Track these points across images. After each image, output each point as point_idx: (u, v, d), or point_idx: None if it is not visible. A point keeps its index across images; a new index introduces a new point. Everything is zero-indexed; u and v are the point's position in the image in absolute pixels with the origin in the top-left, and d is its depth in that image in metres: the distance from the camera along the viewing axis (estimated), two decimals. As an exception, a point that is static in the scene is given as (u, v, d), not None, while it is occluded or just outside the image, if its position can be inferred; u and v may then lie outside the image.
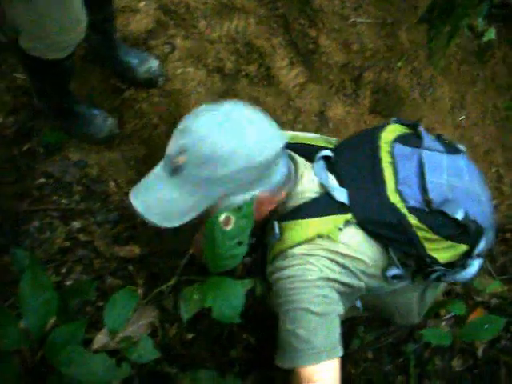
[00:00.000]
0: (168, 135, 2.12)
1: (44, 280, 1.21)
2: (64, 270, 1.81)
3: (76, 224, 1.91)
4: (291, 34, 2.26)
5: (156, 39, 2.19)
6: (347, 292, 1.31)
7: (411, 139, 1.38)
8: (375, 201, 1.28)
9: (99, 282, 1.79)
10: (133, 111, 2.12)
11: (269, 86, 2.17)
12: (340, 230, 1.27)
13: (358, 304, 1.50)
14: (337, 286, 1.27)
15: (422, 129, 1.40)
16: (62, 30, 1.52)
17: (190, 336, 1.75)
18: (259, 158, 1.21)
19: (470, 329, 1.76)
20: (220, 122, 1.20)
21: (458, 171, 1.35)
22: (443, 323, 1.98)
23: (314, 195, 1.31)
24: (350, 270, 1.29)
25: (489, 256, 2.15)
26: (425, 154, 1.33)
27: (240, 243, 1.26)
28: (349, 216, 1.28)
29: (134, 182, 2.05)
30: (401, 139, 1.37)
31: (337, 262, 1.27)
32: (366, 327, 1.86)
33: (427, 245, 1.29)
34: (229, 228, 1.25)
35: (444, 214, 1.26)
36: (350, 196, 1.29)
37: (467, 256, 1.34)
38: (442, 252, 1.31)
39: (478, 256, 1.36)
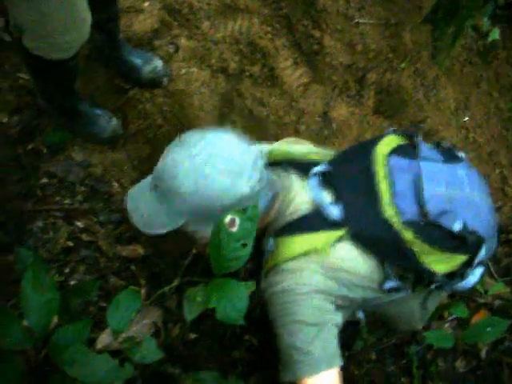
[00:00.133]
0: (172, 135, 2.13)
1: (46, 279, 1.21)
2: (67, 270, 1.82)
3: (79, 224, 1.91)
4: (295, 34, 2.26)
5: (160, 39, 2.19)
6: (343, 303, 1.32)
7: (408, 150, 1.36)
8: (370, 216, 1.28)
9: (102, 282, 1.80)
10: (137, 111, 2.12)
11: (272, 87, 2.17)
12: (333, 245, 1.27)
13: (360, 315, 1.51)
14: (331, 297, 1.29)
15: (419, 139, 1.38)
16: (65, 30, 1.51)
17: (192, 336, 1.75)
18: (222, 202, 1.25)
19: (473, 331, 1.76)
20: (191, 161, 1.24)
21: (456, 181, 1.32)
22: (446, 325, 1.98)
23: (307, 211, 1.32)
24: (344, 283, 1.29)
25: (492, 258, 2.14)
26: (422, 164, 1.31)
27: (244, 245, 1.26)
28: (342, 232, 1.28)
29: (137, 182, 2.06)
30: (397, 151, 1.35)
31: (330, 276, 1.28)
32: (370, 328, 1.85)
33: (424, 257, 1.28)
34: (234, 230, 1.26)
35: (441, 226, 1.25)
36: (345, 210, 1.29)
37: (467, 266, 1.33)
38: (440, 264, 1.30)
39: (479, 265, 1.34)
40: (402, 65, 2.28)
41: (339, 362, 1.26)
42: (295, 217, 1.32)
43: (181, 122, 2.12)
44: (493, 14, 2.22)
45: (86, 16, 1.54)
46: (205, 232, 1.31)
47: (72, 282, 1.79)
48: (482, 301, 2.03)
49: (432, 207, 1.26)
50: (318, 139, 2.16)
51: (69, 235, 1.88)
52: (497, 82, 2.40)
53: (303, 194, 1.34)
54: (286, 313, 1.27)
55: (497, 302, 2.03)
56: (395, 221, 1.25)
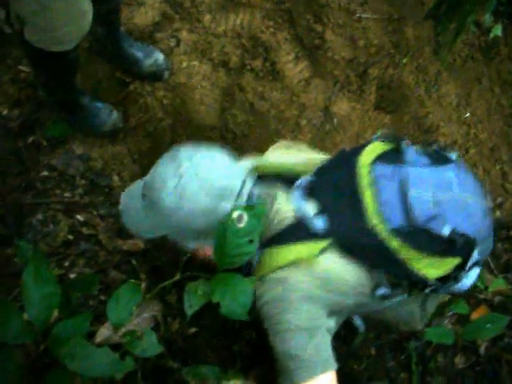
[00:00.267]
0: (173, 129, 2.13)
1: (47, 273, 1.21)
2: (67, 264, 1.81)
3: (79, 217, 1.91)
4: (297, 28, 2.25)
5: (161, 32, 2.18)
6: (334, 309, 1.33)
7: (393, 156, 1.35)
8: (355, 225, 1.28)
9: (102, 276, 1.80)
10: (137, 105, 2.11)
11: (274, 81, 2.17)
12: (318, 255, 1.28)
13: (358, 322, 1.52)
14: (320, 303, 1.29)
15: (404, 143, 1.37)
16: (66, 22, 1.50)
17: (192, 330, 1.75)
18: (202, 223, 1.30)
19: (473, 327, 1.76)
20: (177, 179, 1.28)
21: (445, 184, 1.31)
22: (446, 321, 1.98)
23: (291, 223, 1.33)
24: (333, 290, 1.30)
25: (492, 254, 2.14)
26: (408, 170, 1.30)
27: (250, 241, 1.28)
28: (326, 243, 1.28)
29: (137, 175, 2.06)
30: (381, 158, 1.34)
31: (318, 283, 1.29)
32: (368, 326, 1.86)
33: (414, 263, 1.27)
34: (241, 226, 1.27)
35: (430, 231, 1.24)
36: (329, 221, 1.30)
37: (460, 269, 1.32)
38: (432, 268, 1.29)
39: (474, 266, 1.34)
40: (404, 60, 2.27)
41: (334, 365, 1.28)
42: (279, 229, 1.33)
43: (181, 116, 2.11)
44: (495, 10, 2.21)
45: (87, 8, 1.53)
46: (185, 246, 1.39)
47: (72, 276, 1.79)
48: (481, 297, 2.03)
49: (419, 212, 1.25)
50: (319, 134, 2.16)
51: (69, 228, 1.88)
52: (498, 78, 2.39)
53: (287, 207, 1.35)
54: (277, 321, 1.29)
55: (497, 299, 2.03)
56: (381, 229, 1.25)
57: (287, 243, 1.31)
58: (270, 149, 1.62)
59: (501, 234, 2.19)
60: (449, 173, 1.34)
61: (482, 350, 1.97)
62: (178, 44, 2.18)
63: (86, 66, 2.10)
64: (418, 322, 1.55)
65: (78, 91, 1.97)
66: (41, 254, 1.25)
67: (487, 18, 2.14)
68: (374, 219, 1.26)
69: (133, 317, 1.54)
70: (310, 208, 1.33)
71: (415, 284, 1.34)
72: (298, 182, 1.37)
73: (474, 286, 2.01)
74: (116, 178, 2.03)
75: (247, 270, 1.39)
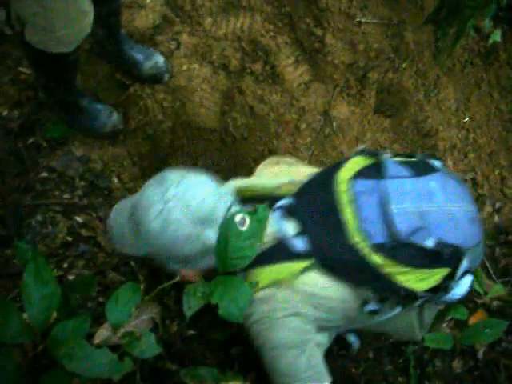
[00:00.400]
0: (172, 132, 2.13)
1: (47, 273, 1.22)
2: (66, 265, 1.81)
3: (78, 219, 1.91)
4: (297, 32, 2.25)
5: (162, 35, 2.19)
6: (322, 324, 1.33)
7: (373, 171, 1.34)
8: (337, 244, 1.28)
9: (101, 277, 1.79)
10: (137, 107, 2.12)
11: (273, 85, 2.17)
12: (299, 275, 1.29)
13: (352, 338, 1.52)
14: (307, 319, 1.30)
15: (385, 156, 1.35)
16: (67, 23, 1.51)
17: (190, 333, 1.75)
18: (184, 249, 1.29)
19: (471, 332, 1.75)
20: (163, 205, 1.27)
21: (428, 194, 1.30)
22: (444, 325, 1.98)
23: (273, 244, 1.33)
24: (318, 307, 1.31)
25: (491, 258, 2.15)
26: (388, 183, 1.29)
27: (252, 245, 1.28)
28: (307, 263, 1.29)
29: (137, 177, 2.07)
30: (361, 174, 1.33)
31: (303, 300, 1.29)
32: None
33: (401, 277, 1.27)
34: (244, 229, 1.28)
35: (413, 245, 1.23)
36: (310, 241, 1.30)
37: (450, 279, 1.31)
38: (419, 281, 1.29)
39: (466, 274, 1.33)
40: (404, 64, 2.28)
41: (328, 378, 1.29)
42: (262, 250, 1.33)
43: (181, 119, 2.11)
44: (495, 16, 2.22)
45: (88, 10, 1.54)
46: (166, 268, 1.38)
47: (70, 277, 1.79)
48: (480, 301, 2.03)
49: (402, 226, 1.24)
50: (319, 137, 2.16)
51: (68, 230, 1.88)
52: (497, 83, 2.40)
53: (268, 228, 1.34)
54: (265, 340, 1.30)
55: (495, 303, 2.03)
56: (363, 246, 1.25)
57: (269, 264, 1.31)
58: (261, 165, 1.63)
59: (499, 239, 2.19)
60: (431, 183, 1.32)
61: (480, 354, 1.97)
62: (178, 47, 2.19)
63: (87, 67, 2.11)
64: (417, 332, 1.54)
65: (78, 93, 1.98)
66: (40, 255, 1.25)
67: (487, 24, 2.14)
68: (355, 236, 1.26)
69: (131, 319, 1.53)
70: (290, 228, 1.33)
71: (405, 297, 1.32)
72: (278, 204, 1.37)
73: (473, 291, 2.02)
74: (115, 180, 2.03)
75: None
